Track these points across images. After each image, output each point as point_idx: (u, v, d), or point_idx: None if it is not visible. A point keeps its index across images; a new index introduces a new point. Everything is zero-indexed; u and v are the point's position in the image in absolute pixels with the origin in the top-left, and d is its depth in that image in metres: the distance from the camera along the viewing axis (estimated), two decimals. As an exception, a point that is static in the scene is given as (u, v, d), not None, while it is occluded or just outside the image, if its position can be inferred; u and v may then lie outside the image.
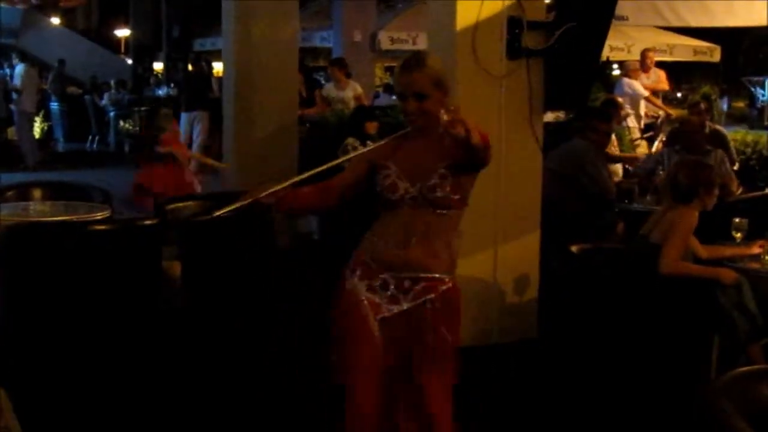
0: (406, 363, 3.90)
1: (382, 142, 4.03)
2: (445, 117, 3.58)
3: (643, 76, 13.91)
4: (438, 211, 3.84)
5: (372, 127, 9.30)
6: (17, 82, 18.36)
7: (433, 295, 3.89)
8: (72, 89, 24.52)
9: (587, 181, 8.17)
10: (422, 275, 3.88)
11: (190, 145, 15.18)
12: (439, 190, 3.80)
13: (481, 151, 3.66)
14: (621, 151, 10.89)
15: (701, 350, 5.73)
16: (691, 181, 5.88)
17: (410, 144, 3.93)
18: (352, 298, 3.93)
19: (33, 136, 19.06)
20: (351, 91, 13.65)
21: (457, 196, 3.84)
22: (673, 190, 5.91)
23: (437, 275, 3.90)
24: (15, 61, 20.20)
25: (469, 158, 3.74)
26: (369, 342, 3.88)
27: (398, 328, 3.89)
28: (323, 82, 14.75)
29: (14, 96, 18.27)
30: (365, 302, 3.90)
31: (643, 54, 14.51)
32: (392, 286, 3.90)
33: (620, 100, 12.25)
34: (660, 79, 14.37)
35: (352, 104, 13.24)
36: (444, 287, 3.92)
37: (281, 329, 6.35)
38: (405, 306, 3.89)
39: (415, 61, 3.91)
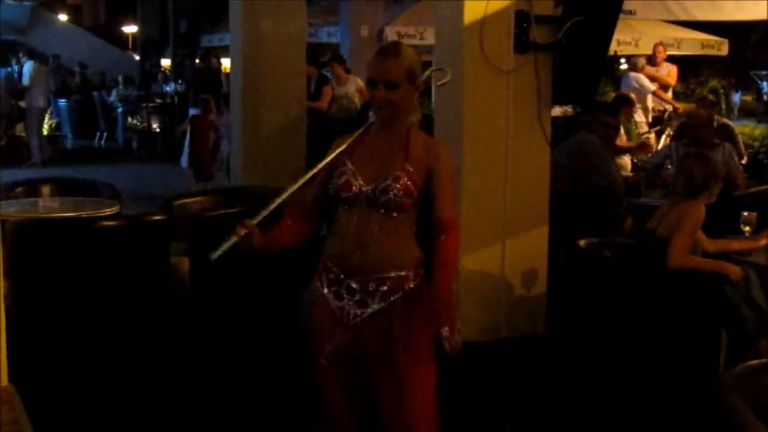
0: (385, 360, 3.83)
1: (344, 146, 3.94)
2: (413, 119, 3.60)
3: (653, 70, 13.90)
4: (389, 213, 3.77)
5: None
6: (26, 79, 18.40)
7: (400, 294, 3.81)
8: (70, 80, 24.58)
9: (595, 175, 8.16)
10: (386, 275, 3.80)
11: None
12: (391, 192, 3.73)
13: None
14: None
15: (709, 344, 5.73)
16: (706, 175, 5.88)
17: (371, 140, 3.88)
18: (321, 308, 3.90)
19: (42, 132, 19.09)
20: (353, 86, 13.68)
21: (409, 200, 3.76)
22: (688, 185, 5.91)
23: (402, 273, 3.82)
24: (23, 58, 20.23)
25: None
26: (331, 356, 3.88)
27: (370, 330, 3.82)
28: (330, 77, 14.73)
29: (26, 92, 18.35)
30: (336, 311, 3.86)
31: (654, 48, 14.49)
32: (358, 291, 3.82)
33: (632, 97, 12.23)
34: (670, 73, 14.35)
35: (356, 98, 13.25)
36: (410, 284, 3.83)
37: (289, 325, 6.35)
38: (374, 307, 3.81)
39: (390, 49, 3.84)
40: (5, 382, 3.30)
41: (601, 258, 5.99)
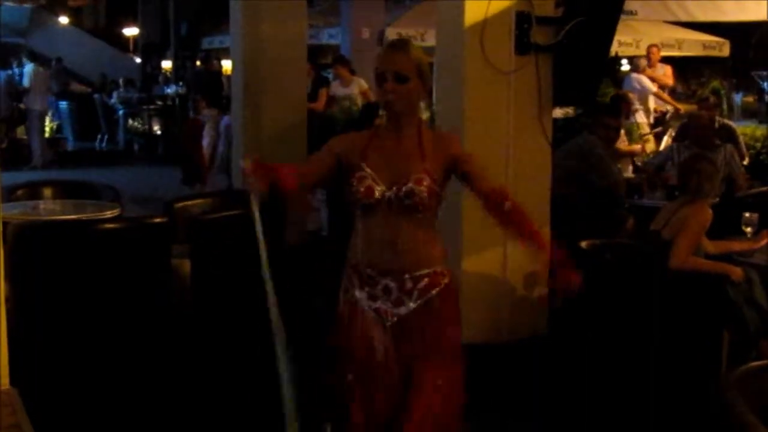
0: (423, 359, 3.83)
1: (350, 135, 3.98)
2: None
3: (650, 71, 13.91)
4: (414, 214, 3.77)
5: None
6: (26, 81, 18.41)
7: (437, 290, 3.84)
8: (75, 86, 24.56)
9: (596, 176, 8.16)
10: (421, 272, 3.83)
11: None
12: (416, 196, 3.73)
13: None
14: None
15: (711, 345, 5.73)
16: (703, 178, 5.89)
17: (383, 142, 3.85)
18: (356, 310, 3.89)
19: (43, 135, 19.11)
20: (356, 88, 13.69)
21: (433, 201, 3.79)
22: (700, 185, 5.92)
23: (438, 269, 3.86)
24: (24, 60, 20.26)
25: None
26: (373, 358, 3.85)
27: (407, 329, 3.83)
28: (331, 79, 14.74)
29: (27, 95, 18.37)
30: (370, 312, 3.85)
31: (648, 50, 14.50)
32: (395, 290, 3.83)
33: (629, 94, 12.24)
34: (666, 73, 14.37)
35: (359, 100, 13.26)
36: (446, 280, 3.88)
37: (291, 326, 6.34)
38: (412, 306, 3.83)
39: (400, 43, 3.87)
40: (7, 385, 3.30)
41: (602, 259, 5.99)
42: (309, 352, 4.11)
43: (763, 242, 6.13)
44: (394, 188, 3.74)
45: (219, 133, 14.04)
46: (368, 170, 3.79)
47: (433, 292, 3.84)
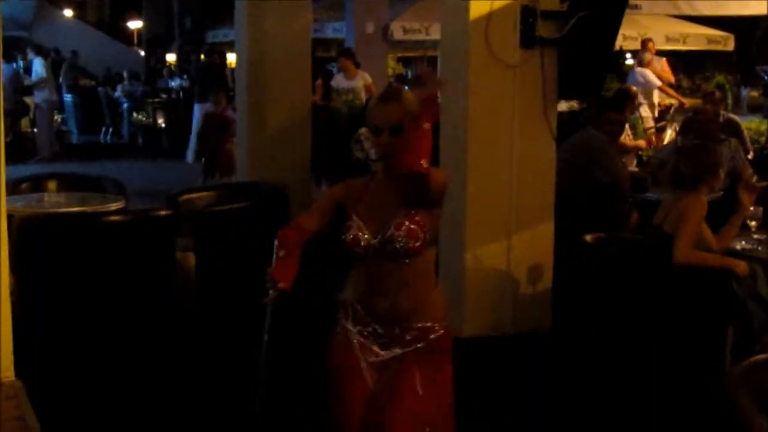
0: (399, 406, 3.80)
1: (352, 182, 3.98)
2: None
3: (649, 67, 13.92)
4: (401, 261, 3.77)
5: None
6: (41, 71, 18.45)
7: (423, 343, 3.84)
8: (85, 81, 24.57)
9: (600, 171, 8.14)
10: (412, 325, 3.84)
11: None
12: (397, 241, 3.72)
13: (435, 191, 3.69)
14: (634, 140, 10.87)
15: (715, 340, 5.72)
16: (693, 169, 5.87)
17: (376, 190, 3.87)
18: (345, 338, 3.92)
19: (52, 128, 19.16)
20: (361, 81, 13.67)
21: (417, 243, 3.75)
22: (675, 180, 5.92)
23: (428, 324, 3.86)
24: (30, 54, 20.27)
25: (420, 195, 3.71)
26: (356, 381, 3.86)
27: (385, 372, 3.85)
28: (335, 72, 14.73)
29: (38, 88, 18.42)
30: (356, 344, 3.88)
31: (644, 44, 14.51)
32: (384, 335, 3.86)
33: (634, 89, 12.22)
34: (663, 68, 14.38)
35: (363, 94, 13.25)
36: (434, 335, 3.87)
37: (294, 320, 6.35)
38: (396, 351, 3.85)
39: (393, 94, 3.81)
40: (11, 377, 3.31)
41: (607, 253, 5.98)
42: (307, 351, 4.12)
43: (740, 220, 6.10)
44: (379, 236, 3.76)
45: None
46: (356, 219, 3.83)
47: (419, 345, 3.85)
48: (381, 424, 3.77)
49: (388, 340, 3.86)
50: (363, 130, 9.13)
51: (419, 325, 3.84)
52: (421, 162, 3.45)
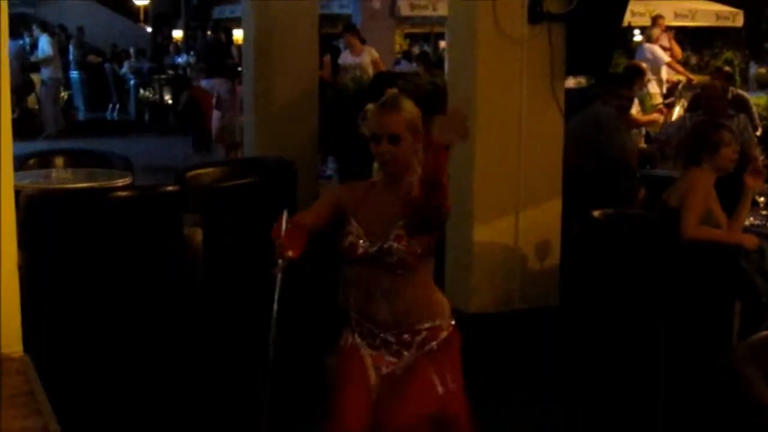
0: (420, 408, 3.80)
1: (353, 186, 4.00)
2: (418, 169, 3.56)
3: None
4: (395, 271, 3.76)
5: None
6: (47, 49, 18.46)
7: (436, 342, 3.85)
8: (92, 58, 24.58)
9: (608, 146, 8.13)
10: (420, 327, 3.84)
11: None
12: (394, 255, 3.72)
13: (438, 214, 3.64)
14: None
15: (723, 316, 5.72)
16: (692, 143, 5.86)
17: (376, 197, 3.87)
18: (353, 352, 3.91)
19: (58, 105, 19.17)
20: (367, 56, 13.64)
21: (413, 259, 3.74)
22: (678, 156, 5.92)
23: (436, 323, 3.87)
24: (36, 31, 20.27)
25: (421, 217, 3.69)
26: (363, 389, 3.85)
27: (398, 378, 3.84)
28: (342, 49, 14.70)
29: (44, 65, 18.46)
30: (367, 357, 3.88)
31: (654, 20, 14.48)
32: (394, 343, 3.86)
33: (643, 65, 12.20)
34: (671, 43, 14.38)
35: (370, 69, 13.22)
36: (444, 333, 3.88)
37: (302, 295, 6.36)
38: (407, 356, 3.85)
39: (391, 102, 3.81)
40: (20, 352, 3.31)
41: (614, 229, 5.98)
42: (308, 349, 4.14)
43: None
44: (377, 245, 3.76)
45: (223, 101, 14.16)
46: (355, 225, 3.83)
47: (433, 344, 3.85)
48: (390, 425, 3.76)
49: (399, 348, 3.86)
50: (370, 106, 9.10)
51: (427, 325, 3.85)
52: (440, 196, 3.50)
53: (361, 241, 3.79)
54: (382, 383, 3.84)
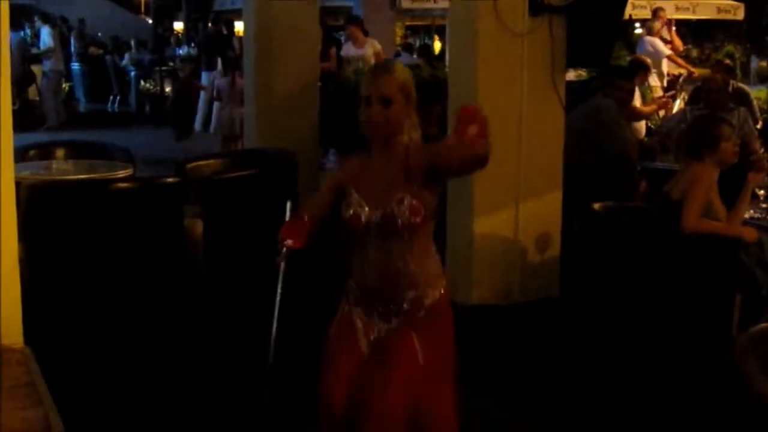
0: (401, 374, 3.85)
1: (351, 159, 4.03)
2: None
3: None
4: (402, 236, 3.80)
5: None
6: (49, 41, 18.46)
7: (425, 310, 3.89)
8: (93, 50, 24.57)
9: (609, 139, 8.13)
10: (410, 295, 3.88)
11: (211, 103, 15.30)
12: (398, 218, 3.76)
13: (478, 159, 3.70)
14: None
15: (723, 308, 5.72)
16: (692, 138, 5.87)
17: (374, 164, 3.90)
18: (346, 323, 3.99)
19: (59, 96, 19.17)
20: (370, 48, 13.65)
21: (417, 219, 3.77)
22: (679, 149, 5.93)
23: (428, 290, 3.91)
24: (37, 23, 20.27)
25: (445, 170, 3.79)
26: (353, 352, 3.91)
27: (392, 339, 3.90)
28: (343, 41, 14.71)
29: (46, 57, 18.46)
30: (359, 324, 3.95)
31: (654, 12, 14.47)
32: (383, 312, 3.92)
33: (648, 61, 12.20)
34: (672, 36, 14.37)
35: (373, 61, 13.23)
36: (430, 300, 3.92)
37: (304, 285, 6.36)
38: (395, 323, 3.91)
39: (383, 66, 3.96)
40: (21, 344, 3.32)
41: (615, 222, 5.98)
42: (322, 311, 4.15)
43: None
44: (379, 213, 3.80)
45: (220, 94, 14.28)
46: (356, 196, 3.87)
47: (422, 312, 3.90)
48: (371, 387, 3.79)
49: (389, 315, 3.92)
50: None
51: (413, 294, 3.88)
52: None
53: (364, 210, 3.83)
54: (371, 351, 3.90)
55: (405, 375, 3.81)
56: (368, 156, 3.94)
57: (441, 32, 24.20)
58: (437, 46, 23.09)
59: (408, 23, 26.38)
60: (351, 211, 3.85)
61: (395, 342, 3.88)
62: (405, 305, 3.88)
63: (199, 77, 17.10)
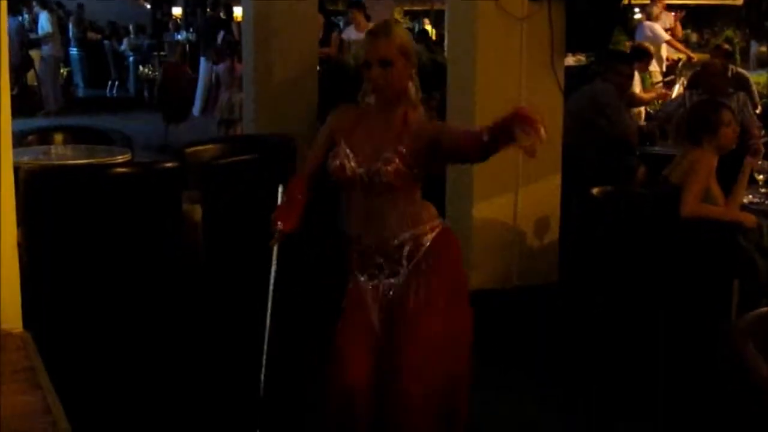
0: (409, 320, 3.86)
1: (347, 110, 4.02)
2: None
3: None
4: (387, 192, 3.80)
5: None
6: (47, 27, 18.43)
7: (425, 248, 3.88)
8: (91, 35, 24.52)
9: (608, 124, 8.13)
10: (402, 239, 3.87)
11: (210, 89, 15.32)
12: (383, 176, 3.75)
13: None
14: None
15: (722, 294, 5.73)
16: (691, 124, 5.87)
17: (370, 121, 3.89)
18: (355, 291, 4.00)
19: (58, 81, 19.15)
20: None
21: (399, 182, 3.77)
22: (678, 134, 5.93)
23: (422, 228, 3.90)
24: (36, 8, 20.22)
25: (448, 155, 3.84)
26: (365, 323, 3.93)
27: (404, 294, 3.89)
28: (342, 26, 14.68)
29: (44, 42, 18.44)
30: (368, 293, 3.95)
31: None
32: (385, 265, 3.91)
33: (651, 49, 12.17)
34: (671, 21, 14.35)
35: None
36: (431, 236, 3.91)
37: (304, 271, 6.37)
38: (404, 271, 3.90)
39: (381, 28, 3.86)
40: (20, 328, 3.32)
41: (614, 207, 5.98)
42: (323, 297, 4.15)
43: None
44: (363, 168, 3.79)
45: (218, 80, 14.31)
46: (344, 147, 3.86)
47: (422, 250, 3.89)
48: (398, 349, 3.81)
49: (392, 266, 3.90)
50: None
51: (406, 236, 3.86)
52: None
53: (350, 163, 3.82)
54: (386, 324, 3.90)
55: (424, 355, 3.80)
56: (366, 110, 3.94)
57: (439, 17, 24.17)
58: (431, 31, 23.05)
59: (407, 8, 26.36)
60: (337, 162, 3.85)
61: (410, 316, 3.84)
62: (406, 248, 3.86)
63: (196, 62, 17.10)
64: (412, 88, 3.83)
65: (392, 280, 3.91)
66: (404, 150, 3.75)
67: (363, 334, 3.91)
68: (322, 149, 4.00)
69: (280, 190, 4.04)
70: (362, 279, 3.97)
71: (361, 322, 3.93)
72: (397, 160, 3.74)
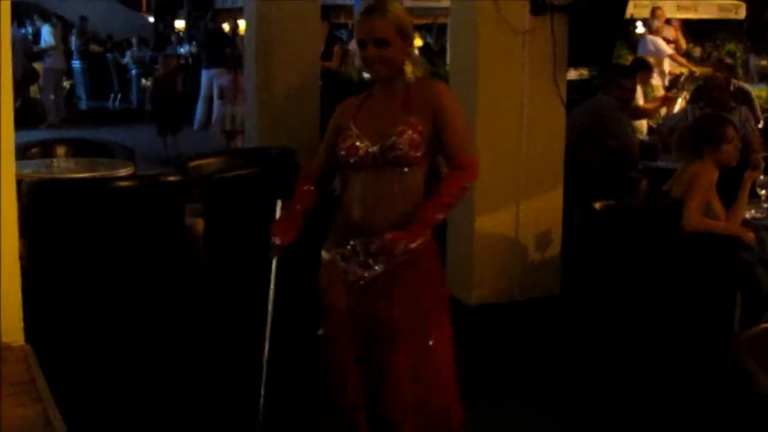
0: (388, 328, 3.82)
1: (347, 101, 4.01)
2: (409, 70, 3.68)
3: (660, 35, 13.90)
4: (399, 169, 3.74)
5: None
6: (49, 40, 18.47)
7: (404, 257, 3.70)
8: (94, 47, 24.55)
9: (610, 138, 8.12)
10: (391, 218, 3.75)
11: (211, 102, 15.35)
12: (398, 149, 3.70)
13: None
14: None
15: (724, 307, 5.72)
16: (694, 136, 5.87)
17: (373, 102, 3.88)
18: (331, 269, 3.93)
19: (61, 94, 19.18)
20: None
21: (418, 153, 3.72)
22: (680, 148, 5.94)
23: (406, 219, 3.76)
24: (38, 21, 20.27)
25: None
26: (340, 311, 3.91)
27: (376, 291, 3.82)
28: (344, 39, 14.69)
29: (47, 54, 18.48)
30: (341, 273, 3.87)
31: (653, 11, 14.47)
32: (361, 252, 3.80)
33: (651, 61, 12.18)
34: (675, 35, 14.37)
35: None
36: (416, 242, 3.72)
37: (304, 283, 6.35)
38: (377, 270, 3.79)
39: (376, 6, 3.79)
40: (22, 341, 3.32)
41: (616, 220, 5.98)
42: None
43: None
44: (377, 146, 3.75)
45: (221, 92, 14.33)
46: (354, 129, 3.83)
47: (399, 259, 3.72)
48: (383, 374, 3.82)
49: (366, 258, 3.80)
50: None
51: (400, 222, 3.74)
52: None
53: (362, 143, 3.79)
54: (360, 295, 3.85)
55: (410, 356, 3.80)
56: (368, 95, 3.93)
57: (441, 31, 24.19)
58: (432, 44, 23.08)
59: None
60: (348, 143, 3.81)
61: (393, 330, 3.80)
62: (388, 235, 3.67)
63: (198, 75, 17.14)
64: (409, 66, 3.80)
65: (363, 273, 3.81)
66: (413, 119, 3.73)
67: (347, 340, 3.90)
68: (331, 140, 3.97)
69: (278, 205, 4.03)
70: (333, 255, 3.90)
71: (344, 328, 3.91)
72: (409, 131, 3.71)
